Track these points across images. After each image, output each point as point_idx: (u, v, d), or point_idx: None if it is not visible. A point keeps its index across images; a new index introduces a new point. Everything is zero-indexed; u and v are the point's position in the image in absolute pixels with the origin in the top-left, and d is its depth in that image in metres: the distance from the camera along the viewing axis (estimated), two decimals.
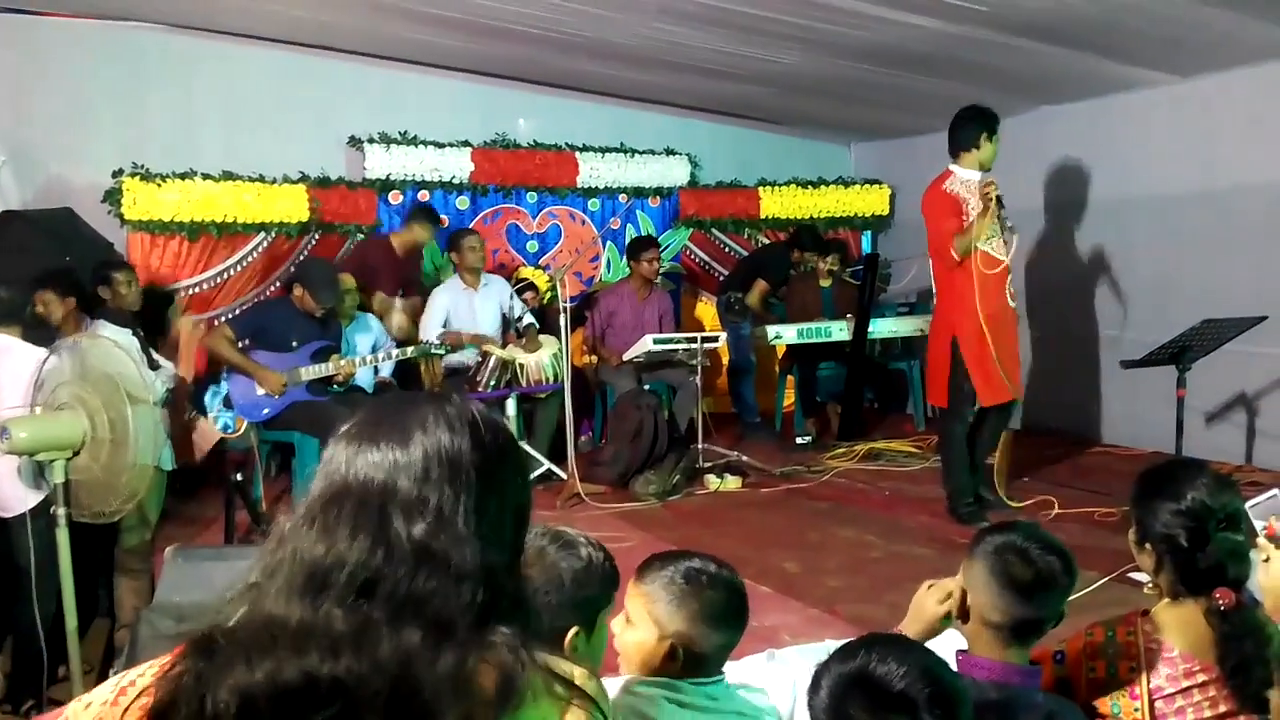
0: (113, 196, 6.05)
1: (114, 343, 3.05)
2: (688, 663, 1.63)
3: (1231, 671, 1.67)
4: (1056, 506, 4.88)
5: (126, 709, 0.91)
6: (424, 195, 7.01)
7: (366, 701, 0.88)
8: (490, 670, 0.93)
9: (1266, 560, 1.96)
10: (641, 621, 1.65)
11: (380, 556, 0.91)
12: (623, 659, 1.69)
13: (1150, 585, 1.82)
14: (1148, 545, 1.80)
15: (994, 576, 1.68)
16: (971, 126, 4.73)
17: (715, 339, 6.23)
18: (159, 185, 6.09)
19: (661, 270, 7.12)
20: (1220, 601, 1.69)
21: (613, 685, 1.66)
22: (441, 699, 0.89)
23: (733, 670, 1.84)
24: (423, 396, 1.04)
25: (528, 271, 7.23)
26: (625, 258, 6.96)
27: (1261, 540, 1.99)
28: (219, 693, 0.87)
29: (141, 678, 0.93)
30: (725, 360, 7.23)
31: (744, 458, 5.93)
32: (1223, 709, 1.69)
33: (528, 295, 6.49)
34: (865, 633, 1.49)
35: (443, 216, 6.98)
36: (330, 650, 0.88)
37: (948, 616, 1.74)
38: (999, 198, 4.59)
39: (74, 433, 2.73)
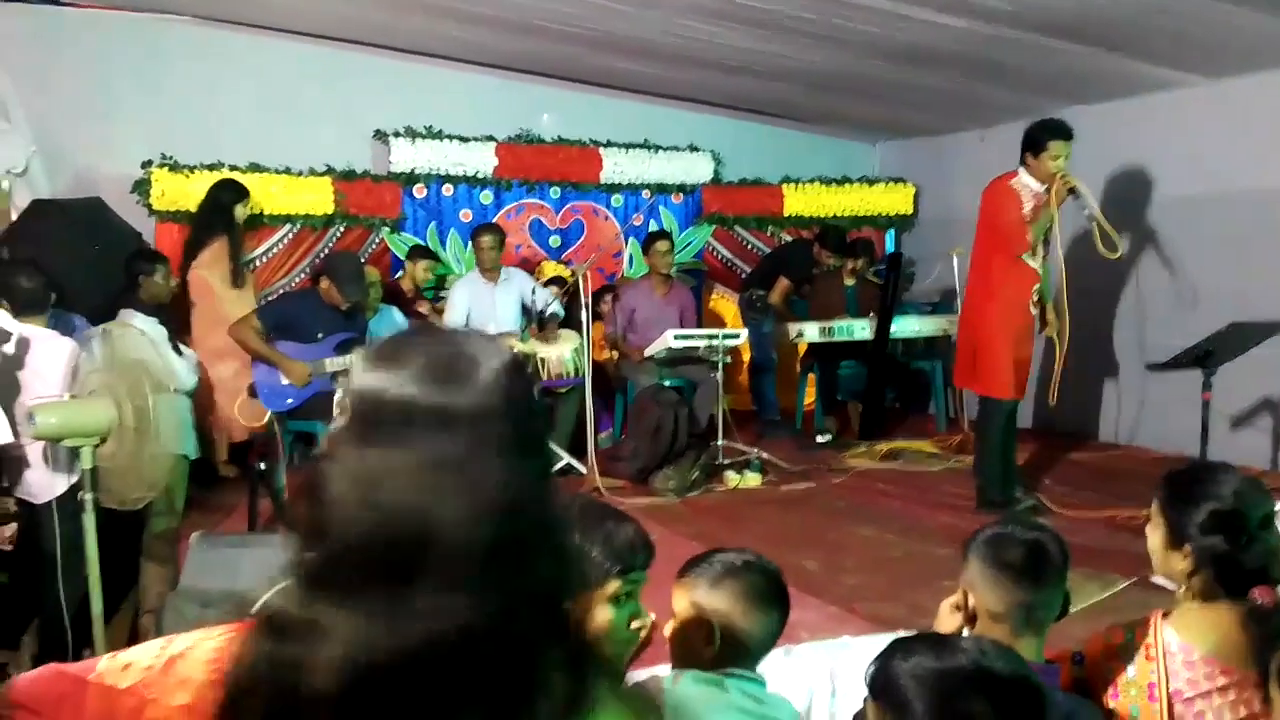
0: (141, 187, 6.13)
1: (141, 332, 3.08)
2: (726, 648, 1.64)
3: (1277, 671, 1.66)
4: (1079, 509, 4.85)
5: (176, 683, 0.88)
6: (448, 189, 7.05)
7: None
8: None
9: None
10: (683, 610, 1.69)
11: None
12: (671, 654, 1.72)
13: (1183, 589, 1.80)
14: (1185, 547, 1.78)
15: (988, 566, 1.73)
16: (1039, 135, 4.69)
17: (736, 336, 6.22)
18: (187, 176, 6.15)
19: (681, 266, 7.13)
20: (1261, 601, 1.69)
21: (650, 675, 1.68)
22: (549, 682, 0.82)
23: None
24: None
25: (551, 268, 7.24)
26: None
27: None
28: (314, 675, 0.77)
29: (193, 650, 0.90)
30: (747, 357, 7.22)
31: (764, 455, 5.92)
32: (1244, 713, 1.68)
33: (553, 289, 6.51)
34: (883, 631, 1.50)
35: (466, 209, 7.04)
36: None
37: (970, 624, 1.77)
38: (1073, 189, 4.64)
39: (100, 419, 2.76)
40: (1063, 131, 4.66)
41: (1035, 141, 4.68)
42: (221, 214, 5.74)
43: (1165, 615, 1.80)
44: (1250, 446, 5.56)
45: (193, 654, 0.90)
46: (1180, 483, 1.85)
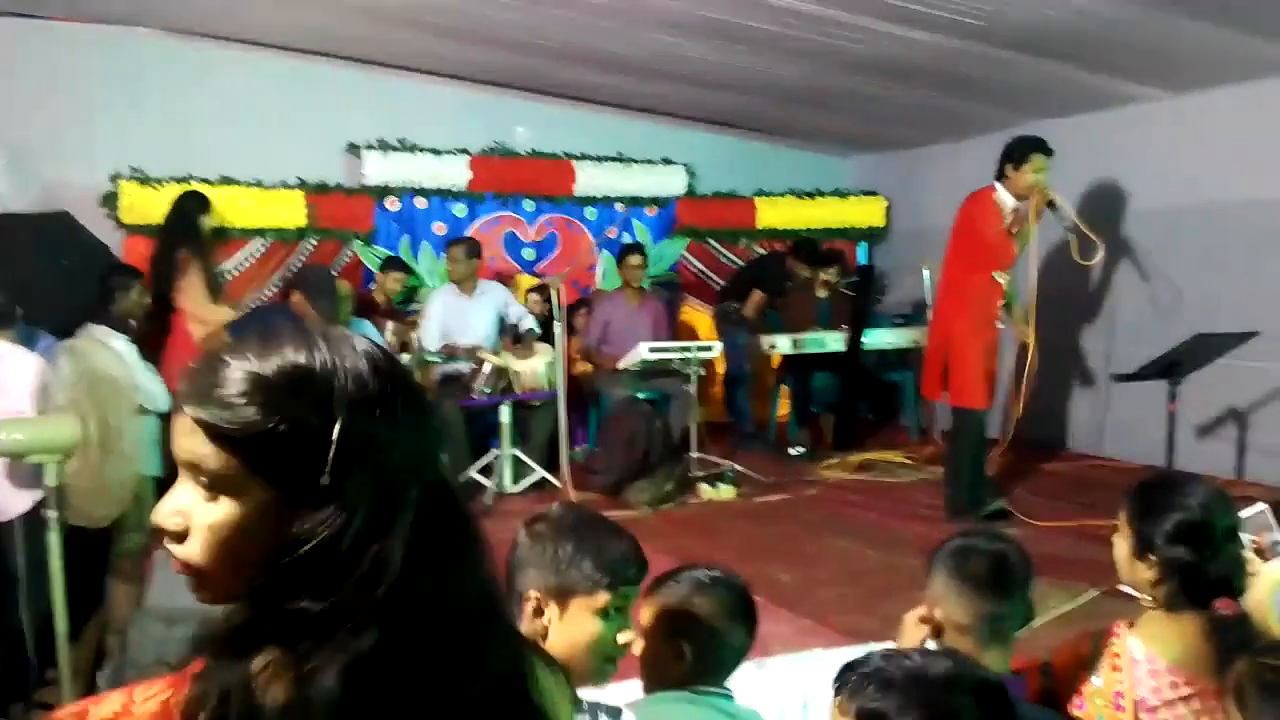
0: (110, 200, 6.07)
1: (107, 348, 3.05)
2: (696, 664, 1.63)
3: (1234, 688, 1.68)
4: (1048, 519, 4.89)
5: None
6: (421, 202, 7.03)
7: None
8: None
9: (1253, 575, 1.97)
10: (652, 626, 1.70)
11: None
12: (641, 670, 1.71)
13: (1147, 599, 1.82)
14: (1151, 557, 1.79)
15: (952, 579, 1.76)
16: (1020, 149, 4.79)
17: (710, 348, 6.24)
18: (156, 189, 6.10)
19: (655, 279, 7.15)
20: (1223, 612, 1.70)
21: (625, 691, 1.68)
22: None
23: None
24: None
25: (526, 281, 7.23)
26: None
27: (1248, 554, 2.00)
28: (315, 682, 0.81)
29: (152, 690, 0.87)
30: (721, 370, 7.24)
31: (738, 467, 5.93)
32: None
33: (535, 298, 6.49)
34: (855, 644, 1.51)
35: (440, 222, 7.03)
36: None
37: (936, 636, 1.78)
38: (1051, 202, 4.74)
39: (65, 436, 2.73)
40: (1043, 147, 4.77)
41: (1016, 155, 4.76)
42: (188, 226, 5.68)
43: (1131, 625, 1.82)
44: (1216, 456, 5.63)
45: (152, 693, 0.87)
46: (1148, 493, 1.86)
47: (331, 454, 0.84)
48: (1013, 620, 1.77)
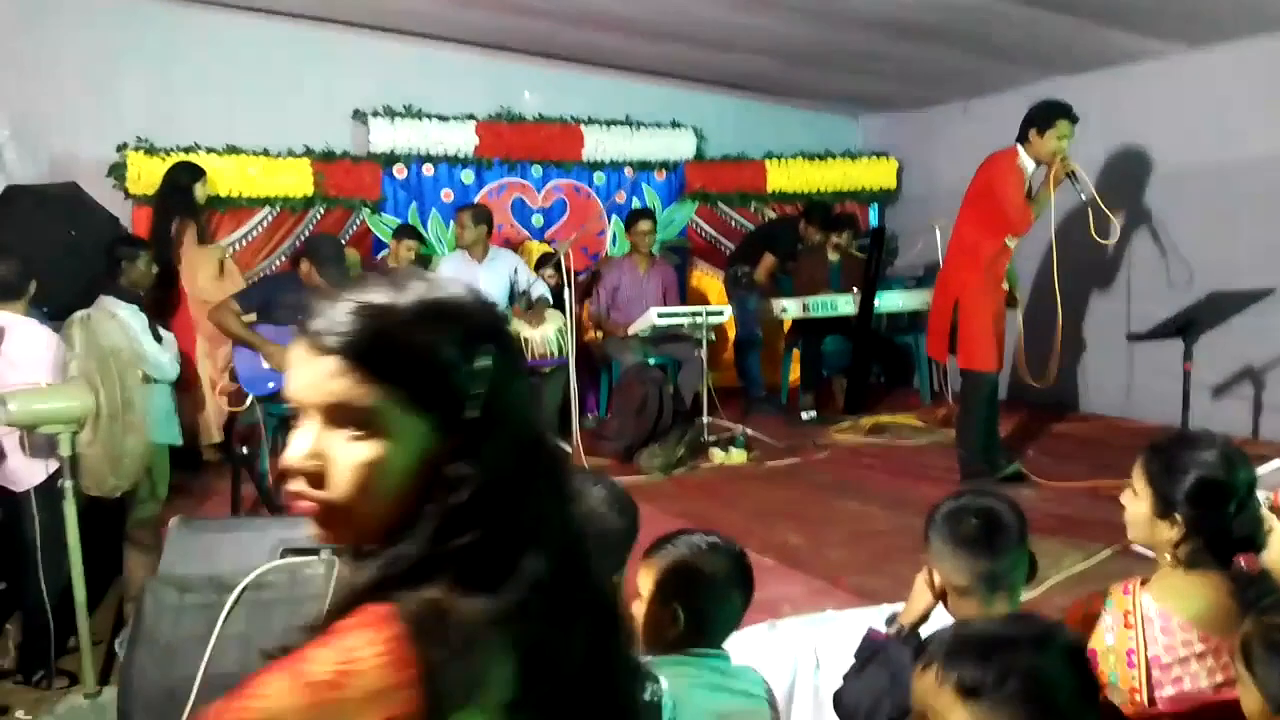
0: (117, 171, 6.05)
1: (115, 318, 3.06)
2: (689, 628, 1.64)
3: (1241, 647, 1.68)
4: (1062, 480, 4.88)
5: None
6: (429, 169, 7.00)
7: None
8: None
9: (1269, 531, 1.96)
10: (649, 590, 1.70)
11: None
12: (639, 634, 1.73)
13: (1167, 557, 1.81)
14: (1174, 516, 1.77)
15: (947, 542, 1.77)
16: (1047, 114, 4.66)
17: (720, 313, 6.21)
18: (163, 159, 6.08)
19: (665, 244, 7.11)
20: (1246, 567, 1.70)
21: None
22: None
23: (734, 640, 1.86)
24: None
25: (535, 247, 7.20)
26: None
27: (1265, 512, 1.98)
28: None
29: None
30: (731, 334, 7.22)
31: (749, 431, 5.93)
32: (1219, 679, 1.69)
33: (548, 272, 6.46)
34: (867, 604, 1.51)
35: (447, 189, 7.00)
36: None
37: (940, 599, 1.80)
38: (1072, 172, 4.62)
39: (75, 407, 2.74)
40: (1070, 113, 4.64)
41: (1041, 120, 4.64)
42: (181, 196, 5.67)
43: (1144, 583, 1.81)
44: (1231, 416, 5.59)
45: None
46: (1166, 452, 1.84)
47: (475, 383, 0.86)
48: (1013, 577, 1.77)
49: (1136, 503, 1.84)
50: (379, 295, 0.87)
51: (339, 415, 0.86)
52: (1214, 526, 1.75)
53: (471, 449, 0.86)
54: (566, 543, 0.92)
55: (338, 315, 0.86)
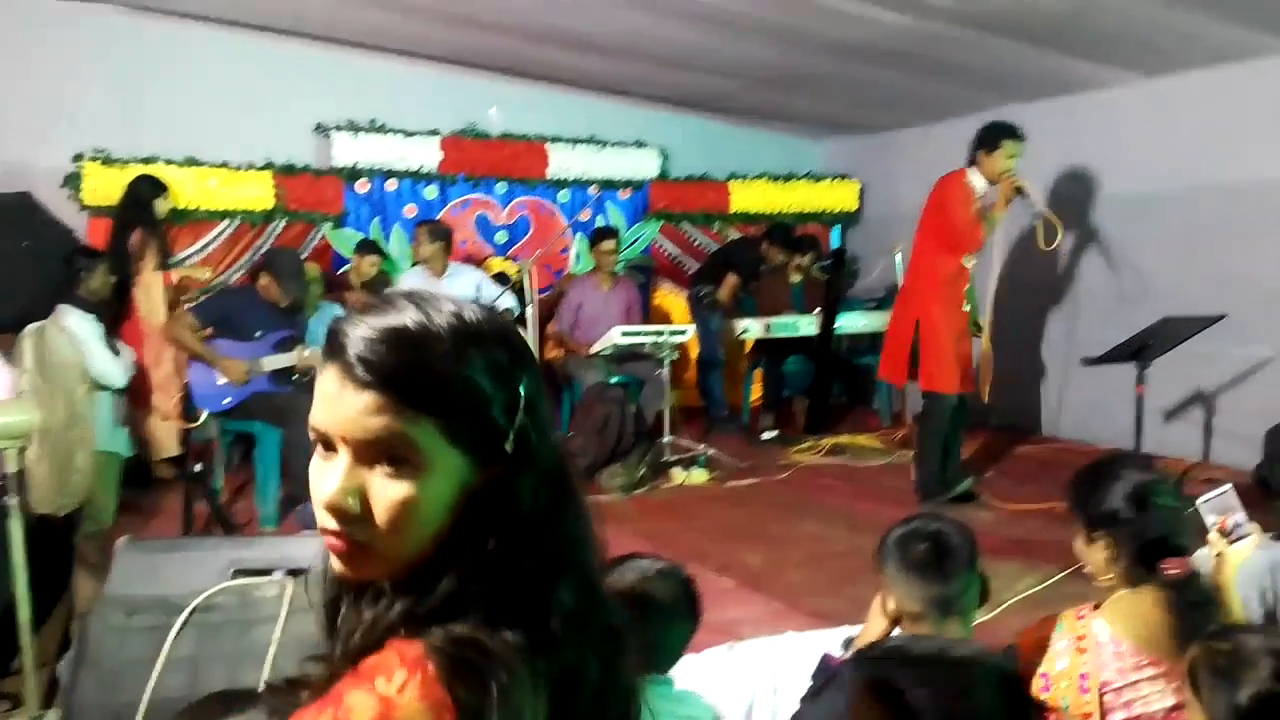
0: (72, 181, 5.96)
1: (63, 331, 3.00)
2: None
3: (1191, 639, 1.70)
4: (1018, 502, 4.93)
5: None
6: (392, 184, 6.96)
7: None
8: None
9: (1219, 556, 1.99)
10: None
11: None
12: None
13: (1105, 578, 1.85)
14: (1097, 534, 1.84)
15: (899, 567, 1.80)
16: (994, 134, 4.78)
17: (683, 332, 6.23)
18: (120, 170, 5.99)
19: (629, 262, 7.11)
20: (1174, 571, 1.73)
21: None
22: None
23: (693, 663, 1.85)
24: None
25: (497, 264, 7.18)
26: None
27: (1213, 536, 2.02)
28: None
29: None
30: (694, 354, 7.24)
31: (711, 451, 5.94)
32: (1170, 701, 1.71)
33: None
34: (825, 627, 1.51)
35: (411, 205, 6.96)
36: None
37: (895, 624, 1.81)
38: (1020, 189, 4.72)
39: (20, 422, 2.67)
40: (1015, 133, 4.76)
41: (988, 141, 4.76)
42: (141, 210, 5.59)
43: (1095, 607, 1.84)
44: (1183, 439, 5.69)
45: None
46: (1081, 482, 1.93)
47: (517, 415, 0.84)
48: (964, 601, 1.78)
49: (1075, 538, 1.91)
50: (412, 321, 0.83)
51: (376, 451, 0.82)
52: (1134, 534, 1.80)
53: (509, 481, 0.85)
54: (587, 567, 0.92)
55: (374, 344, 0.82)
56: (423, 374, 0.82)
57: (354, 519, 0.83)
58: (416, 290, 0.89)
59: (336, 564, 0.87)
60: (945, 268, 4.87)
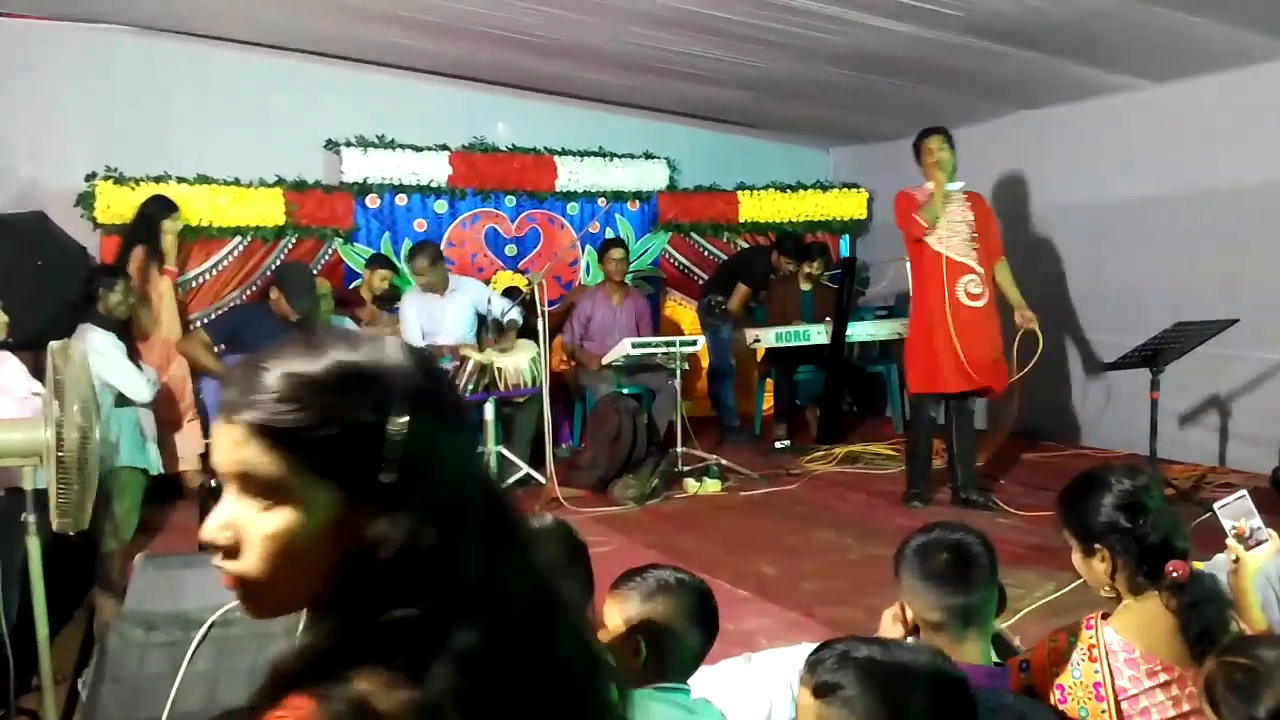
0: (86, 200, 6.00)
1: (93, 349, 3.02)
2: (652, 661, 1.63)
3: (1196, 639, 1.69)
4: (1033, 509, 4.91)
5: None
6: (402, 199, 6.99)
7: None
8: None
9: (1236, 561, 1.98)
10: (614, 623, 1.70)
11: None
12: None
13: (1108, 589, 1.83)
14: (1096, 548, 1.81)
15: (918, 577, 1.77)
16: (916, 141, 5.14)
17: (694, 343, 6.23)
18: (133, 189, 6.04)
19: (639, 273, 7.12)
20: (1175, 574, 1.71)
21: None
22: None
23: (710, 674, 1.85)
24: None
25: (507, 277, 7.20)
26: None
27: (1230, 541, 2.00)
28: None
29: None
30: (705, 364, 7.24)
31: (723, 461, 5.93)
32: (1186, 708, 1.70)
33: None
34: (839, 635, 1.51)
35: (421, 219, 7.00)
36: None
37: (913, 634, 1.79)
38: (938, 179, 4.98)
39: (31, 441, 2.69)
40: (933, 129, 5.05)
41: (917, 145, 5.08)
42: (148, 230, 5.62)
43: (1105, 616, 1.83)
44: (1198, 444, 5.66)
45: None
46: (1070, 497, 1.90)
47: (388, 448, 0.83)
48: (985, 610, 1.77)
49: (1074, 554, 1.88)
50: (293, 362, 0.85)
51: (247, 484, 0.84)
52: (1131, 542, 1.77)
53: (388, 515, 0.82)
54: (517, 605, 0.87)
55: (249, 383, 0.84)
56: (284, 408, 0.82)
57: (228, 553, 0.84)
58: (337, 328, 0.91)
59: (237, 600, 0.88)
60: (922, 262, 5.06)
